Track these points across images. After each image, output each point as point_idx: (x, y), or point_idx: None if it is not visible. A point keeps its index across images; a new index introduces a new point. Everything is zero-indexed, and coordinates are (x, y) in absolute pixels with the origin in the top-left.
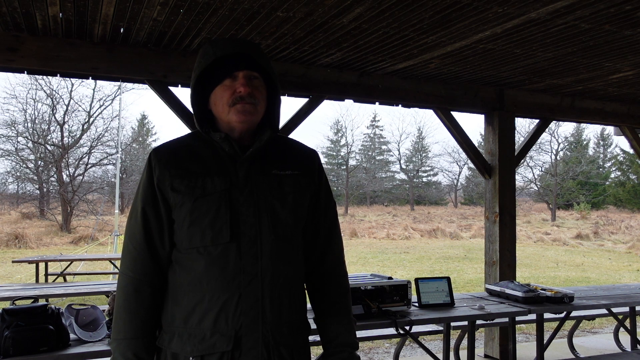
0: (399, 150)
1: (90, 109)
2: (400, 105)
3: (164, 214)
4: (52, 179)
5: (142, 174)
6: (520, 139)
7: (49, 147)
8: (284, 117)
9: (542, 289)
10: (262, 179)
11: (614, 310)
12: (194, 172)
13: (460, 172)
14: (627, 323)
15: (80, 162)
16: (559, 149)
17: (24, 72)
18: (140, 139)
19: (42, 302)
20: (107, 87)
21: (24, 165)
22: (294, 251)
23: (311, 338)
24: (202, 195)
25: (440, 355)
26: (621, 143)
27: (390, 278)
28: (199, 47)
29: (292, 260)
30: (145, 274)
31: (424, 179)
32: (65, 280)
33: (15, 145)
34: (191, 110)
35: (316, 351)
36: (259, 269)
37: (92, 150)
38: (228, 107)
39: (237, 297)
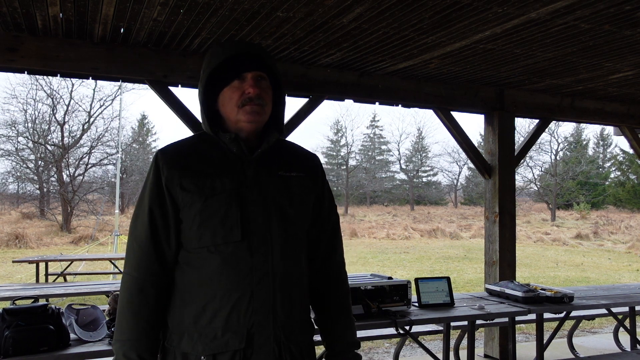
0: (399, 150)
1: (90, 109)
2: (400, 105)
3: (171, 214)
4: (52, 179)
5: (148, 174)
6: (520, 139)
7: (49, 147)
8: (285, 117)
9: (541, 289)
10: (269, 180)
11: (614, 310)
12: (202, 172)
13: (460, 172)
14: (627, 323)
15: (81, 162)
16: (559, 149)
17: (24, 72)
18: (141, 139)
19: (42, 302)
20: (107, 87)
21: (24, 165)
22: (301, 250)
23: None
24: (211, 195)
25: (440, 355)
26: (621, 143)
27: (390, 278)
28: (199, 47)
29: (300, 259)
30: (150, 274)
31: (424, 179)
32: (65, 280)
33: (16, 145)
34: (191, 110)
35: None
36: (270, 267)
37: (92, 150)
38: (237, 108)
39: (249, 295)
